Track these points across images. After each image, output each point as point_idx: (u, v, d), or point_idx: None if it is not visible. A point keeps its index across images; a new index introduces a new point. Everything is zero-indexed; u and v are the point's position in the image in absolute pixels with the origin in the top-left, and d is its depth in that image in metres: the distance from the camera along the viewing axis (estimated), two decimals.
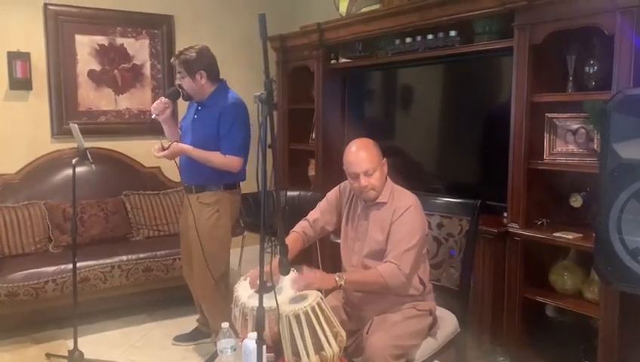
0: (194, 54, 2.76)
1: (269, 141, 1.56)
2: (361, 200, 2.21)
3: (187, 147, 2.77)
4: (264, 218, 1.60)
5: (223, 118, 2.75)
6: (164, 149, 2.73)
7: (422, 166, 3.60)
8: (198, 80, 2.78)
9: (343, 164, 2.17)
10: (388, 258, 2.05)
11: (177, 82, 2.83)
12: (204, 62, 2.79)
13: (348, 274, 2.07)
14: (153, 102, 2.88)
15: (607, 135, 1.97)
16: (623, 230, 1.92)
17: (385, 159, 2.17)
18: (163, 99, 2.80)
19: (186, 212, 3.01)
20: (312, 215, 2.33)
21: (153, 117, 2.78)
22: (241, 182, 2.99)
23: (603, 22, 2.36)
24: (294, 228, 2.30)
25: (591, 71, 2.60)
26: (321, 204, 2.35)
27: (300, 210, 3.24)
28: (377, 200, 2.15)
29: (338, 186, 2.35)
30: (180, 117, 3.20)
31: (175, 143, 2.77)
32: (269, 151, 1.61)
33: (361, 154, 2.11)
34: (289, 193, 3.89)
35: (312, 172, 4.40)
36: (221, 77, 2.91)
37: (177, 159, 2.83)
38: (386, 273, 2.01)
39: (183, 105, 3.13)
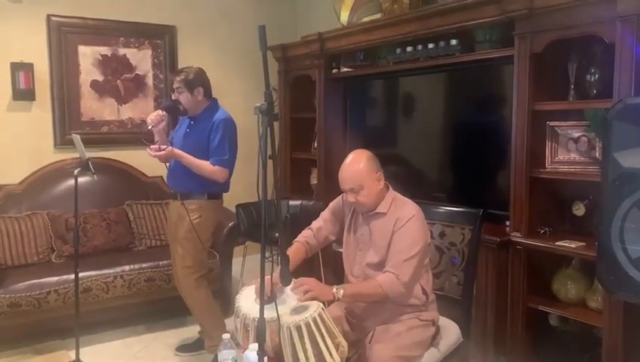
0: (193, 72, 2.97)
1: (269, 152, 1.56)
2: None
3: (180, 152, 2.90)
4: (265, 228, 1.60)
5: (214, 131, 2.92)
6: (160, 150, 2.86)
7: (423, 174, 3.60)
8: (195, 95, 2.96)
9: None
10: (387, 267, 2.04)
11: (174, 97, 3.00)
12: (202, 80, 2.99)
13: (346, 287, 2.05)
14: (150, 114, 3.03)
15: (608, 144, 1.97)
16: (625, 239, 1.92)
17: (379, 173, 2.12)
18: (160, 111, 2.94)
19: (171, 218, 3.12)
20: (316, 224, 2.33)
21: (149, 128, 2.90)
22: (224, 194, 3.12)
23: (603, 30, 2.36)
24: (297, 238, 2.29)
25: (592, 79, 2.60)
26: (325, 213, 2.35)
27: (302, 219, 3.24)
28: (377, 211, 2.14)
29: (341, 195, 2.33)
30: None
31: (170, 147, 2.89)
32: (270, 162, 1.61)
33: (348, 171, 2.10)
34: (291, 202, 3.89)
35: (314, 181, 4.40)
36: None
37: (167, 164, 3.00)
38: (385, 283, 2.00)
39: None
